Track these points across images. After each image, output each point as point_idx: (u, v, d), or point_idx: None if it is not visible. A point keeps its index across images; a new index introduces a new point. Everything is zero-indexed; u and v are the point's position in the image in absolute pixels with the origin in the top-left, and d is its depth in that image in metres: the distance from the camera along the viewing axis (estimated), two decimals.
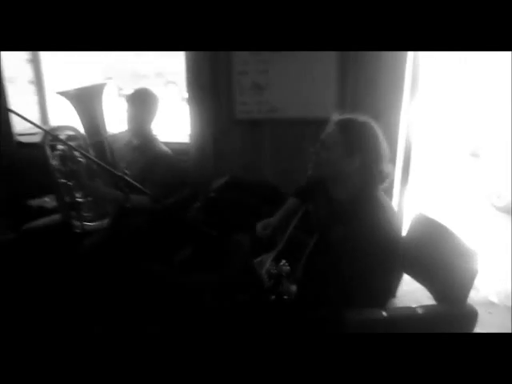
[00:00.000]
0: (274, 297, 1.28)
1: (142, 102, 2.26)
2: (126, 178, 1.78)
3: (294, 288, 1.33)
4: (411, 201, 2.62)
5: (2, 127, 3.02)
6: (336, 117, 1.54)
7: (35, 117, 3.25)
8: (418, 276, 1.57)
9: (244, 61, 2.42)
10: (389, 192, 2.27)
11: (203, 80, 2.51)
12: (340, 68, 2.28)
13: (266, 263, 1.47)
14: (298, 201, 1.89)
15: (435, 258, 1.47)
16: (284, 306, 1.38)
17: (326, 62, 2.27)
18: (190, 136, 2.63)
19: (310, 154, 1.54)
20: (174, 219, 2.15)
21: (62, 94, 2.10)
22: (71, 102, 2.16)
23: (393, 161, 2.02)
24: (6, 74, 2.93)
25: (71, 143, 2.08)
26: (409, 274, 1.62)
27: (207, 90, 2.52)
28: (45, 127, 1.88)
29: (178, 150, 2.61)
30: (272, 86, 2.40)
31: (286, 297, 1.34)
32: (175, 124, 2.80)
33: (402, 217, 2.44)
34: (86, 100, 2.17)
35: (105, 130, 2.32)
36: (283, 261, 1.33)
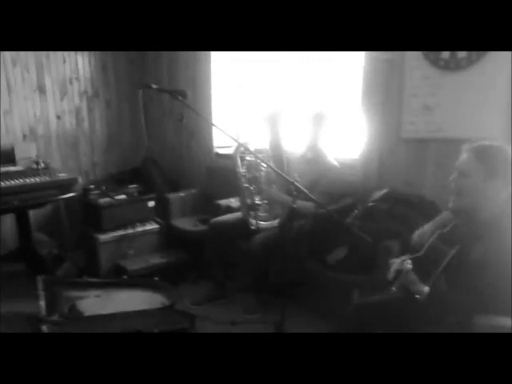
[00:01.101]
0: (394, 289, 1.43)
1: (316, 122, 2.63)
2: (297, 184, 2.11)
3: (423, 287, 1.46)
4: None
5: (207, 141, 3.74)
6: (467, 145, 1.61)
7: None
8: None
9: (416, 85, 2.56)
10: None
11: (377, 100, 2.72)
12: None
13: (398, 263, 1.61)
14: (451, 214, 1.95)
15: None
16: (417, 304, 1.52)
17: (497, 85, 2.27)
18: (359, 151, 2.87)
19: (448, 184, 1.63)
20: (334, 224, 2.41)
21: (259, 115, 2.64)
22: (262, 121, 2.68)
23: None
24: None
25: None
26: None
27: (379, 109, 2.72)
28: (239, 141, 2.35)
29: (348, 164, 2.88)
30: (440, 106, 2.48)
31: (418, 296, 1.47)
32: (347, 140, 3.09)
33: None
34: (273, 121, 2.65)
35: (284, 144, 2.75)
36: (408, 260, 1.47)
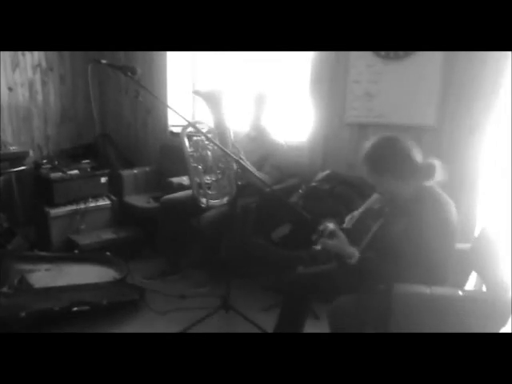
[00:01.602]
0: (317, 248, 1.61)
1: (258, 102, 2.73)
2: (242, 162, 2.21)
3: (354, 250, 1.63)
4: None
5: (162, 119, 3.77)
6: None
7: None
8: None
9: (359, 72, 2.70)
10: None
11: (323, 86, 2.85)
12: (442, 80, 2.44)
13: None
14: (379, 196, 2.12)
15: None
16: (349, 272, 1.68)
17: (429, 72, 2.45)
18: (306, 134, 3.00)
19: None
20: (279, 202, 2.54)
21: (196, 93, 2.67)
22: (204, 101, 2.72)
23: None
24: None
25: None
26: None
27: (325, 95, 2.86)
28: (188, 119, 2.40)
29: (295, 147, 3.01)
30: (381, 94, 2.64)
31: (349, 260, 1.64)
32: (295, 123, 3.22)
33: None
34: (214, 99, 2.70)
35: (228, 123, 2.80)
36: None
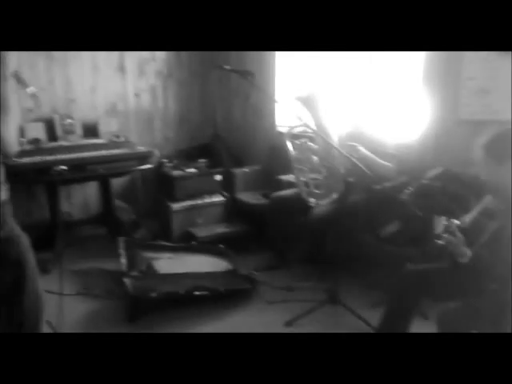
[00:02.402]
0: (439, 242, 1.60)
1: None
2: (353, 159, 2.28)
3: (467, 250, 1.61)
4: None
5: (271, 120, 3.95)
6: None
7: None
8: None
9: (474, 68, 2.61)
10: None
11: (436, 83, 2.79)
12: None
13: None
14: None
15: None
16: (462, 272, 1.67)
17: None
18: (417, 132, 2.96)
19: None
20: (389, 199, 2.56)
21: (295, 98, 2.77)
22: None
23: None
24: None
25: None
26: None
27: (438, 92, 2.79)
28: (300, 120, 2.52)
29: (405, 144, 2.99)
30: (497, 90, 2.53)
31: (461, 259, 1.63)
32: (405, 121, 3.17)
33: None
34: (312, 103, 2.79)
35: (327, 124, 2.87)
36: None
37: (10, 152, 1.53)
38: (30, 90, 1.71)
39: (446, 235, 1.68)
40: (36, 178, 3.22)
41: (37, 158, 3.15)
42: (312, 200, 2.90)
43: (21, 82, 1.67)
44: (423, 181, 2.51)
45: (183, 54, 4.28)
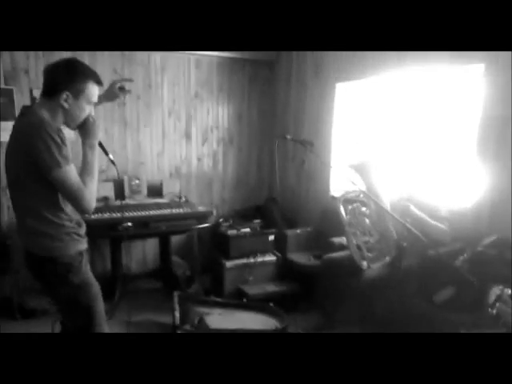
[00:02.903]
0: (491, 311, 1.58)
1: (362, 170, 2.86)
2: (407, 224, 2.34)
3: None
4: None
5: (324, 185, 4.09)
6: None
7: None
8: None
9: None
10: None
11: (491, 151, 2.84)
12: None
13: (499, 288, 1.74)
14: None
15: None
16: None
17: None
18: (471, 200, 2.97)
19: None
20: (443, 265, 2.55)
21: (349, 166, 2.90)
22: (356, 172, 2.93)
23: None
24: None
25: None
26: None
27: (492, 160, 2.83)
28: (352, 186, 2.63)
29: (459, 212, 3.00)
30: None
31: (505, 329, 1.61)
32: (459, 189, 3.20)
33: None
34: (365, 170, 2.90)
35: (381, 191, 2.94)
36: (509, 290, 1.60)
37: (90, 210, 1.73)
38: (110, 157, 1.95)
39: (498, 304, 1.67)
40: (104, 233, 3.48)
41: (106, 215, 3.43)
42: (364, 263, 2.93)
43: (103, 149, 1.93)
44: (478, 248, 2.50)
45: (244, 122, 4.62)
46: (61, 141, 1.61)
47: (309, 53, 4.19)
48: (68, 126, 1.80)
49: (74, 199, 1.68)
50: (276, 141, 3.15)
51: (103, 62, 3.82)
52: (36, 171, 1.63)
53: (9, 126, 3.43)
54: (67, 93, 1.70)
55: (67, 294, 1.78)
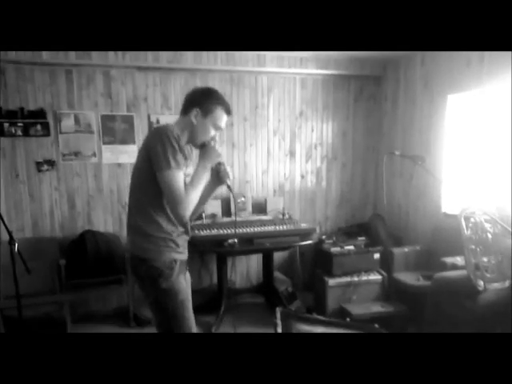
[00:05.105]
0: None
1: None
2: None
3: None
4: None
5: (435, 201, 3.84)
6: None
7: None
8: None
9: None
10: None
11: None
12: None
13: None
14: None
15: None
16: None
17: None
18: None
19: None
20: None
21: None
22: None
23: None
24: None
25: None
26: None
27: None
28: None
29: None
30: None
31: None
32: None
33: None
34: None
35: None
36: None
37: (184, 217, 1.78)
38: (228, 183, 1.94)
39: None
40: (210, 249, 3.65)
41: (213, 232, 3.60)
42: (481, 284, 2.70)
43: (230, 189, 1.93)
44: None
45: (348, 138, 4.57)
46: (178, 146, 1.73)
47: (418, 65, 4.04)
48: (191, 142, 1.92)
49: (172, 201, 1.75)
50: (384, 157, 3.03)
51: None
52: (150, 168, 1.75)
53: (129, 149, 3.94)
54: (198, 109, 1.85)
55: (156, 297, 1.88)
